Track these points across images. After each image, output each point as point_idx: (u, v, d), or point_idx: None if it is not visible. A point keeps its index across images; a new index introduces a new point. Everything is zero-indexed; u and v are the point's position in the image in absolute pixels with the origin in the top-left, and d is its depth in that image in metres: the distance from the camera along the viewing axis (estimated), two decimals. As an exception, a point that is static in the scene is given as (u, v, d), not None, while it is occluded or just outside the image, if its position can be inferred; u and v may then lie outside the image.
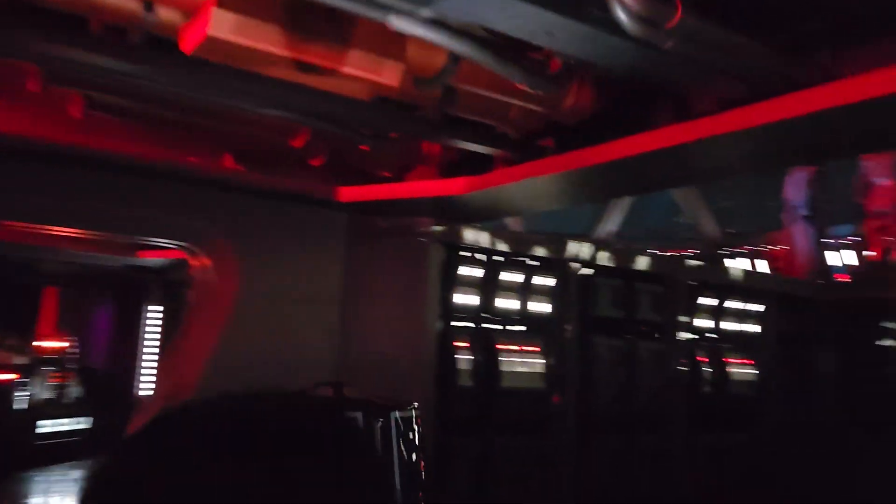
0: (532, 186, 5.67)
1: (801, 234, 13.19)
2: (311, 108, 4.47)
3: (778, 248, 13.57)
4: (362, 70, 3.77)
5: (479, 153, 5.86)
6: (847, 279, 12.47)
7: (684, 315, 9.00)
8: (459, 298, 7.40)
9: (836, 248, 12.97)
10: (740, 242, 14.48)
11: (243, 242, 6.29)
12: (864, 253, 12.32)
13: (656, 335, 8.71)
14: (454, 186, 6.14)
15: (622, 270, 8.53)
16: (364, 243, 6.83)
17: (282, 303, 6.41)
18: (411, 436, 3.26)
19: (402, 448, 3.08)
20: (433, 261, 7.08)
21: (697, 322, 9.21)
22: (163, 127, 5.43)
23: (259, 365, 5.90)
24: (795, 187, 13.34)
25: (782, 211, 13.61)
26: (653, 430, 8.36)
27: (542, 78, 3.99)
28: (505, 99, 4.52)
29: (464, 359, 7.27)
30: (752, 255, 14.32)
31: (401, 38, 3.87)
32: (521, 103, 4.60)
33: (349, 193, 6.50)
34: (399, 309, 7.02)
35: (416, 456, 3.30)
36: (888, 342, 11.26)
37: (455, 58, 3.99)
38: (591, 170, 5.19)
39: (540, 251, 7.80)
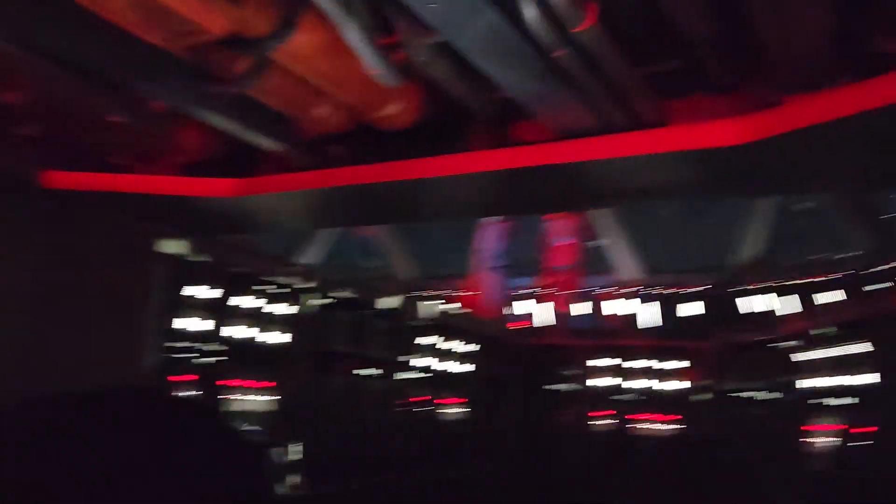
0: (313, 198, 4.97)
1: (490, 282, 14.22)
2: (62, 44, 3.24)
3: (469, 293, 14.45)
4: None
5: (242, 153, 4.97)
6: (527, 326, 13.73)
7: (408, 353, 8.90)
8: (185, 323, 6.27)
9: (519, 297, 14.22)
10: (435, 286, 15.10)
11: None
12: (543, 304, 13.71)
13: (384, 372, 8.44)
14: (210, 187, 5.13)
15: (353, 303, 8.15)
16: (74, 246, 5.36)
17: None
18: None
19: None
20: (159, 276, 5.89)
21: (418, 360, 9.18)
22: None
23: None
24: (488, 238, 14.41)
25: (473, 259, 14.56)
26: (382, 467, 8.00)
27: (393, 68, 3.42)
28: (327, 87, 3.84)
29: (184, 395, 6.14)
30: (445, 299, 15.00)
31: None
32: (343, 97, 3.95)
33: (63, 179, 5.05)
34: (110, 331, 5.62)
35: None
36: (559, 385, 12.65)
37: (291, 20, 3.24)
38: (383, 187, 4.72)
39: (278, 277, 7.03)
